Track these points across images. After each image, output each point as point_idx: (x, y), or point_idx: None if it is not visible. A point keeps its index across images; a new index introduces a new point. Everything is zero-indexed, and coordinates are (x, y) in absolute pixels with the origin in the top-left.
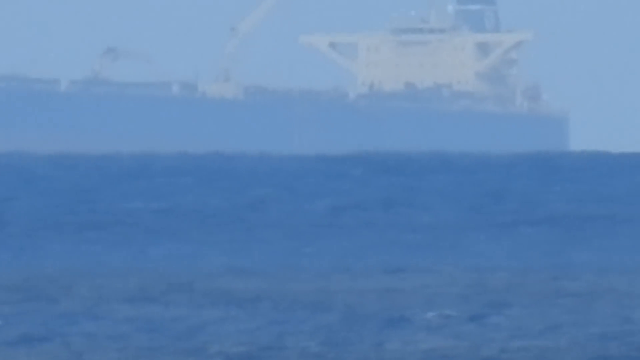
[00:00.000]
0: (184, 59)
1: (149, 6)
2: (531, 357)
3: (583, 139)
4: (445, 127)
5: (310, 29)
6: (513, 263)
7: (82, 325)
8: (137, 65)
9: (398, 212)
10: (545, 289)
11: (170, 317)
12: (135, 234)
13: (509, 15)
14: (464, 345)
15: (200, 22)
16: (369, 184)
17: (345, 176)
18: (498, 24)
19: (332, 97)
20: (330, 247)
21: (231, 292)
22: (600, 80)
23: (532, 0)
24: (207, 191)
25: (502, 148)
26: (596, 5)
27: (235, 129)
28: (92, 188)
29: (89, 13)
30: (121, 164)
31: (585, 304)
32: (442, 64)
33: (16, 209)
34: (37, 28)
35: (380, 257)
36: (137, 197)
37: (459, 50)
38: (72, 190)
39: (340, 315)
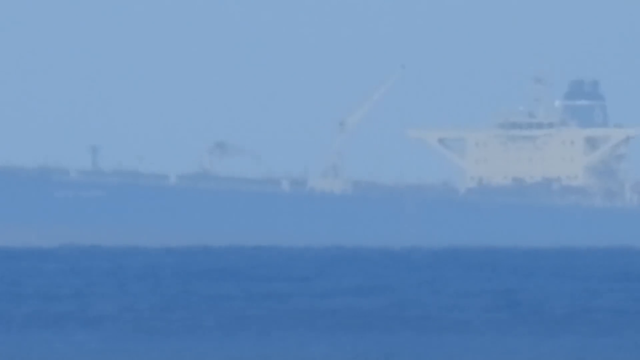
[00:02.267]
0: (292, 155)
1: (256, 102)
2: None
3: None
4: (554, 222)
5: (417, 122)
6: None
7: None
8: (245, 160)
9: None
10: None
11: None
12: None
13: (617, 110)
14: None
15: (307, 117)
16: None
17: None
18: (606, 119)
19: (441, 192)
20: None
21: None
22: None
23: None
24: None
25: (611, 243)
26: None
27: (344, 224)
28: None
29: (198, 108)
30: (232, 257)
31: None
32: (550, 159)
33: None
34: (146, 123)
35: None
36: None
37: (567, 144)
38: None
39: None
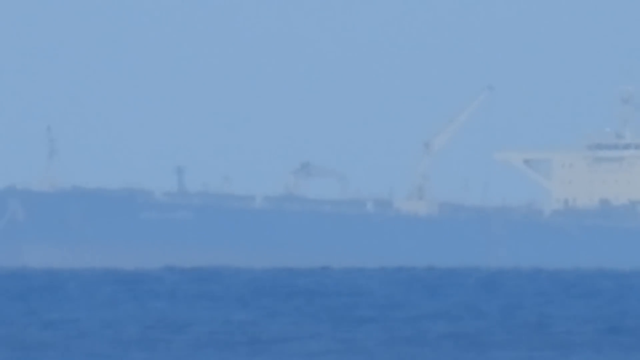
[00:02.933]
0: (377, 176)
1: (341, 123)
2: None
3: None
4: None
5: (502, 144)
6: None
7: None
8: (330, 182)
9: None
10: None
11: None
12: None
13: None
14: None
15: (393, 138)
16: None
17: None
18: None
19: (526, 214)
20: None
21: None
22: None
23: None
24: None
25: None
26: None
27: (429, 245)
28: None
29: (283, 129)
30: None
31: None
32: (637, 180)
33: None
34: (231, 144)
35: None
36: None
37: None
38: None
39: None
